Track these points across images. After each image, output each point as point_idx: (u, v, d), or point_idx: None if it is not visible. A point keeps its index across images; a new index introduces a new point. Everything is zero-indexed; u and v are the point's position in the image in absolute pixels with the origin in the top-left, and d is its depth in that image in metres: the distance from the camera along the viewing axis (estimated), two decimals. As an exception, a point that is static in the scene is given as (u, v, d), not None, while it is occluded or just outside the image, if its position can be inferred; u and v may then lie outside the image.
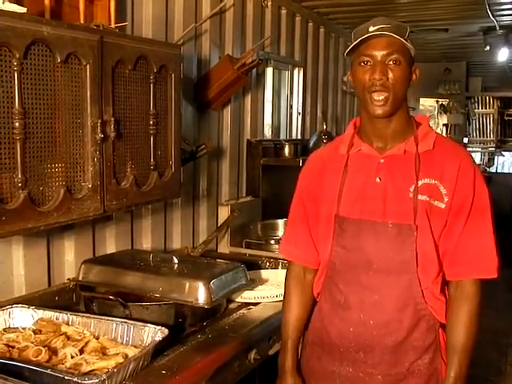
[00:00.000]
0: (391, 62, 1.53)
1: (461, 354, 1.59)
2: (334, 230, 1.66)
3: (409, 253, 1.58)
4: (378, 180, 1.62)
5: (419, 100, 9.09)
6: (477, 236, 1.59)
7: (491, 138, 10.67)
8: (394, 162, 1.62)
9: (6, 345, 1.65)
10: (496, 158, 10.81)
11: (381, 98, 1.54)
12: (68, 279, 2.22)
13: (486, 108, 10.65)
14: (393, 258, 1.59)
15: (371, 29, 1.53)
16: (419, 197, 1.57)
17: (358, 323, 1.64)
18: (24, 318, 1.84)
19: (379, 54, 1.53)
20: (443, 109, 9.24)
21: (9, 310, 1.85)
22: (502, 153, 10.67)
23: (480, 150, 10.82)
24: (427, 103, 9.24)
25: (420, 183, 1.58)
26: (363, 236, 1.62)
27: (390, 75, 1.53)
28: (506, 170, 10.54)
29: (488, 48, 5.48)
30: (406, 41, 1.55)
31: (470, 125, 10.34)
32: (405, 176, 1.60)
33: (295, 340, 1.80)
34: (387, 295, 1.61)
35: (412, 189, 1.58)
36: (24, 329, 1.78)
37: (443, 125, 9.33)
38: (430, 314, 1.62)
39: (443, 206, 1.58)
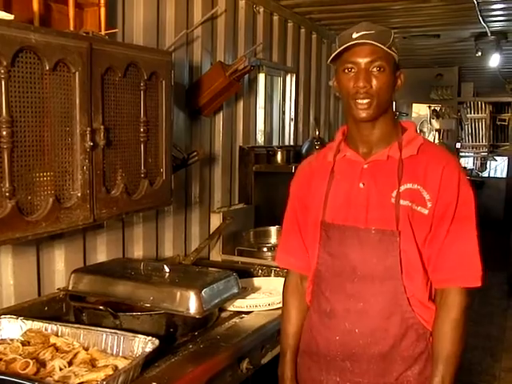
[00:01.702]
0: (375, 69, 1.53)
1: (445, 362, 1.56)
2: (321, 236, 1.66)
3: (392, 259, 1.57)
4: (361, 185, 1.62)
5: (412, 105, 9.12)
6: (459, 242, 1.57)
7: (483, 142, 10.72)
8: (377, 168, 1.62)
9: (-7, 357, 1.62)
10: (488, 162, 10.85)
11: (365, 101, 1.54)
12: (58, 289, 2.19)
13: (478, 113, 10.69)
14: (377, 264, 1.58)
15: (354, 35, 1.52)
16: (401, 202, 1.56)
17: (344, 332, 1.63)
18: (12, 329, 1.82)
19: (363, 61, 1.53)
20: (435, 114, 9.27)
21: (-3, 320, 1.82)
22: (495, 157, 10.71)
23: (472, 154, 10.87)
24: (420, 110, 9.27)
25: (402, 188, 1.57)
26: (347, 242, 1.61)
27: (374, 82, 1.53)
28: (498, 175, 10.55)
29: (480, 54, 5.50)
30: (391, 47, 1.54)
31: (462, 130, 10.38)
32: (387, 181, 1.59)
33: (294, 350, 1.80)
34: (372, 303, 1.60)
35: (394, 194, 1.57)
36: (12, 340, 1.75)
37: (435, 130, 9.35)
38: (419, 323, 1.60)
39: (426, 211, 1.56)
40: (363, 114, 1.56)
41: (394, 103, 8.30)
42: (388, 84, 1.55)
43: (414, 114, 9.10)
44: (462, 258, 1.58)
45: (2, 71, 1.55)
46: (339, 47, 1.54)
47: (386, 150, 1.62)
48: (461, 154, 9.92)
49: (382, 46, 1.51)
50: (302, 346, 1.78)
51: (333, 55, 1.57)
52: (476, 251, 1.59)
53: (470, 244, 1.59)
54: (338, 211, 1.64)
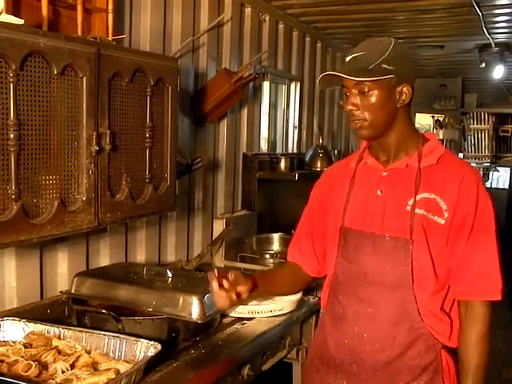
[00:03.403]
0: (362, 92, 1.54)
1: (474, 375, 1.56)
2: (339, 241, 1.68)
3: (404, 267, 1.57)
4: (379, 192, 1.64)
5: (415, 115, 9.13)
6: (479, 254, 1.56)
7: (486, 153, 10.70)
8: (395, 176, 1.63)
9: (-5, 359, 1.63)
10: (491, 173, 10.83)
11: (357, 124, 1.57)
12: (60, 292, 2.20)
13: (481, 124, 10.68)
14: (388, 271, 1.59)
15: (347, 58, 1.57)
16: (417, 211, 1.57)
17: (353, 335, 1.65)
18: (15, 331, 1.82)
19: (350, 84, 1.55)
20: (439, 124, 9.27)
21: (-1, 322, 1.82)
22: (497, 168, 10.70)
23: (475, 165, 10.85)
24: (421, 120, 9.28)
25: (419, 197, 1.58)
26: (362, 248, 1.63)
27: (363, 105, 1.55)
28: (500, 186, 10.53)
29: (483, 65, 5.51)
30: (380, 65, 1.50)
31: (465, 140, 10.37)
32: (405, 190, 1.60)
33: (268, 273, 1.98)
34: (381, 309, 1.61)
35: (410, 202, 1.58)
36: (14, 342, 1.75)
37: (439, 140, 9.34)
38: (429, 334, 1.59)
39: (443, 221, 1.56)
40: (360, 135, 1.61)
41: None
42: (379, 105, 1.54)
43: (417, 125, 9.11)
44: (482, 271, 1.57)
45: (11, 75, 1.56)
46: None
47: (405, 158, 1.63)
48: (463, 164, 9.88)
49: (351, 78, 1.51)
50: (314, 348, 1.81)
51: (318, 80, 1.61)
52: (496, 263, 1.57)
53: (489, 256, 1.57)
54: (356, 217, 1.66)
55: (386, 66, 1.52)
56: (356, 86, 1.54)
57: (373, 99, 1.54)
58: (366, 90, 1.53)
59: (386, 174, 1.64)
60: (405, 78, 1.57)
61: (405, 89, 1.57)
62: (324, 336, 1.75)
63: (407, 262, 1.57)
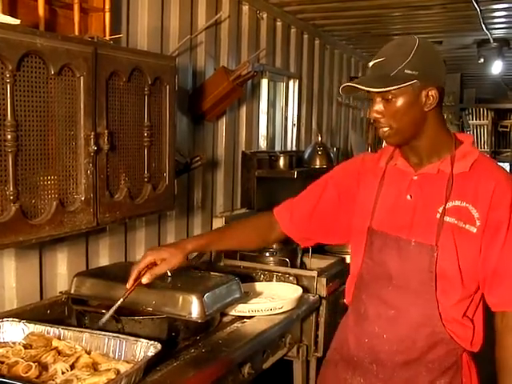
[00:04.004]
0: (385, 98, 1.50)
1: None
2: (366, 242, 1.68)
3: (428, 274, 1.55)
4: (408, 197, 1.61)
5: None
6: None
7: (485, 149, 10.68)
8: (426, 181, 1.59)
9: (-5, 360, 1.62)
10: (490, 169, 10.82)
11: (384, 130, 1.54)
12: (60, 292, 2.19)
13: (480, 119, 10.67)
14: (412, 276, 1.58)
15: (370, 64, 1.54)
16: (446, 219, 1.54)
17: (373, 335, 1.66)
18: (14, 332, 1.81)
19: (373, 91, 1.51)
20: (438, 120, 9.27)
21: (-1, 323, 1.82)
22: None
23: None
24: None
25: (450, 205, 1.54)
26: (387, 251, 1.62)
27: (387, 111, 1.51)
28: (500, 182, 10.54)
29: (482, 60, 5.50)
30: (403, 70, 1.46)
31: (464, 136, 10.36)
32: (435, 196, 1.57)
33: (214, 234, 2.00)
34: (403, 312, 1.60)
35: (440, 210, 1.55)
36: (14, 343, 1.74)
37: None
38: (450, 339, 1.58)
39: (475, 229, 1.52)
40: (388, 142, 1.58)
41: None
42: (404, 111, 1.50)
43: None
44: None
45: (8, 75, 1.56)
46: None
47: (437, 163, 1.58)
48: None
49: (370, 89, 1.49)
50: (335, 344, 1.83)
51: (341, 87, 1.58)
52: None
53: None
54: (384, 219, 1.64)
55: (408, 72, 1.46)
56: (379, 94, 1.50)
57: (397, 106, 1.49)
58: (390, 97, 1.49)
59: (416, 178, 1.61)
60: (431, 81, 1.51)
61: (431, 92, 1.51)
62: (346, 333, 1.76)
63: (431, 268, 1.54)
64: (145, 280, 1.71)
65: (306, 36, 4.54)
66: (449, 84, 8.55)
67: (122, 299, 1.77)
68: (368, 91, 1.52)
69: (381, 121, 1.53)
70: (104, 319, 1.79)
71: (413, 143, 1.58)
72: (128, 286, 1.73)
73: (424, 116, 1.53)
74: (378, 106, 1.52)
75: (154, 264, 1.73)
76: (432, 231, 1.54)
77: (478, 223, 1.52)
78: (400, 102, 1.49)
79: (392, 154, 1.69)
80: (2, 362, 1.61)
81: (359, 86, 1.49)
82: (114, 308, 1.78)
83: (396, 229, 1.61)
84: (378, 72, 1.50)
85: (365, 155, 1.86)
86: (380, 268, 1.64)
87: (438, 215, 1.55)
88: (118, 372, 1.55)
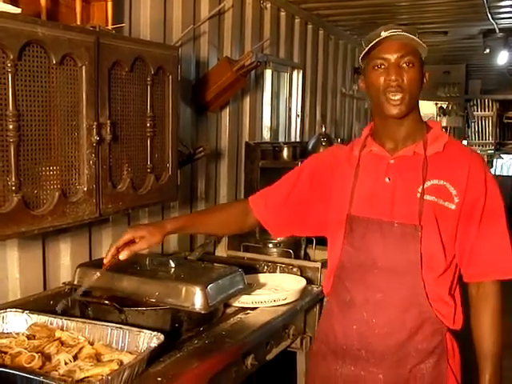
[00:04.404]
0: (405, 65, 1.56)
1: (491, 355, 1.59)
2: (345, 229, 1.69)
3: (413, 253, 1.59)
4: (387, 180, 1.65)
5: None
6: (491, 237, 1.60)
7: (490, 140, 10.64)
8: (403, 163, 1.64)
9: (-2, 350, 1.62)
10: (495, 160, 10.77)
11: (397, 97, 1.56)
12: (63, 283, 2.19)
13: (485, 111, 10.61)
14: (397, 257, 1.61)
15: (383, 34, 1.55)
16: (426, 197, 1.59)
17: (362, 321, 1.66)
18: (18, 322, 1.81)
19: (393, 56, 1.55)
20: (442, 111, 9.23)
21: (2, 314, 1.81)
22: (501, 155, 10.64)
23: (479, 152, 10.78)
24: (426, 108, 9.22)
25: (428, 184, 1.60)
26: (370, 235, 1.64)
27: (405, 77, 1.56)
28: (504, 173, 10.48)
29: (488, 51, 5.47)
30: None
31: (469, 127, 10.31)
32: (413, 177, 1.62)
33: (191, 217, 2.07)
34: (391, 294, 1.63)
35: (420, 189, 1.60)
36: (18, 334, 1.75)
37: (442, 127, 9.29)
38: (436, 318, 1.62)
39: (453, 206, 1.59)
40: (395, 111, 1.58)
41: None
42: (417, 79, 1.58)
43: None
44: (494, 252, 1.60)
45: (9, 65, 1.55)
46: (368, 45, 1.57)
47: (412, 146, 1.64)
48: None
49: (415, 37, 1.55)
50: (320, 335, 1.82)
51: (364, 51, 1.60)
52: (507, 244, 1.60)
53: (501, 238, 1.61)
54: (363, 205, 1.66)
55: (421, 47, 1.59)
56: (399, 58, 1.55)
57: (415, 73, 1.57)
58: (408, 63, 1.55)
59: (393, 161, 1.65)
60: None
61: (427, 74, 1.63)
62: (330, 323, 1.76)
63: (416, 247, 1.58)
64: (123, 256, 1.70)
65: (310, 26, 4.51)
66: (454, 75, 8.53)
67: (98, 273, 1.81)
68: (387, 53, 1.55)
69: (400, 86, 1.55)
70: (79, 292, 1.88)
71: (399, 122, 1.62)
72: (105, 261, 1.73)
73: (419, 94, 1.62)
74: (398, 70, 1.55)
75: (132, 242, 1.73)
76: (414, 211, 1.59)
77: (456, 200, 1.58)
78: (416, 69, 1.57)
79: (364, 142, 1.73)
80: (6, 353, 1.61)
81: (407, 34, 1.53)
82: (89, 284, 1.87)
83: (377, 212, 1.64)
84: (403, 35, 1.55)
85: (337, 146, 1.94)
86: (363, 253, 1.65)
87: (418, 195, 1.59)
88: (120, 363, 1.55)
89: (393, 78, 1.55)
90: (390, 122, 1.64)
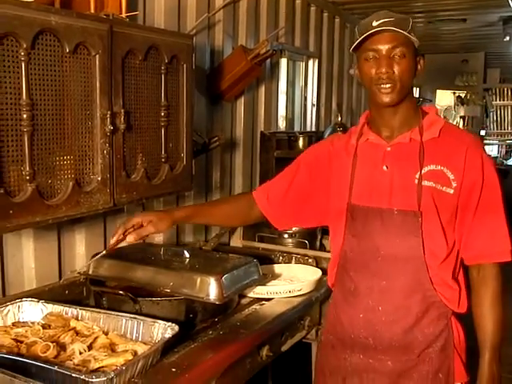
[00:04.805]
0: (396, 56, 1.56)
1: (491, 336, 1.62)
2: (346, 218, 1.70)
3: (415, 239, 1.61)
4: (384, 168, 1.66)
5: (436, 92, 8.97)
6: (489, 219, 1.62)
7: (509, 130, 10.51)
8: (400, 150, 1.65)
9: (14, 339, 1.62)
10: (515, 150, 10.64)
11: (388, 86, 1.57)
12: (78, 273, 2.19)
13: (504, 100, 10.47)
14: (399, 244, 1.62)
15: (374, 23, 1.55)
16: (424, 183, 1.60)
17: (368, 309, 1.68)
18: (33, 312, 1.82)
19: (384, 48, 1.56)
20: (460, 101, 9.11)
21: (18, 303, 1.82)
22: (520, 145, 10.51)
23: (497, 142, 10.66)
24: (443, 97, 9.09)
25: (425, 170, 1.61)
26: (371, 223, 1.66)
27: (396, 68, 1.56)
28: (524, 163, 10.36)
29: (507, 38, 5.38)
30: (410, 33, 1.55)
31: (487, 117, 10.18)
32: (410, 163, 1.63)
33: (199, 207, 2.13)
34: (395, 281, 1.64)
35: (417, 176, 1.61)
36: (33, 323, 1.75)
37: (460, 117, 9.19)
38: (441, 302, 1.64)
39: (451, 191, 1.60)
40: (386, 99, 1.59)
41: (418, 89, 8.18)
42: (409, 69, 1.58)
43: (437, 101, 8.95)
44: (492, 235, 1.62)
45: (22, 53, 1.54)
46: (359, 36, 1.57)
47: (408, 133, 1.65)
48: (485, 141, 9.74)
49: (403, 32, 1.54)
50: (327, 326, 1.84)
51: (354, 44, 1.60)
52: (504, 226, 1.63)
53: (498, 220, 1.63)
54: (362, 193, 1.68)
55: (413, 35, 1.57)
56: (390, 50, 1.55)
57: (406, 64, 1.56)
58: (399, 53, 1.55)
59: (389, 149, 1.66)
60: (420, 52, 1.63)
61: (422, 61, 1.63)
62: (336, 313, 1.78)
63: (417, 233, 1.60)
64: (130, 238, 1.71)
65: (325, 14, 4.46)
66: (472, 63, 8.41)
67: (104, 252, 1.82)
68: (378, 45, 1.54)
69: (391, 77, 1.56)
70: (84, 267, 1.96)
71: (393, 109, 1.63)
72: (112, 242, 1.74)
73: (412, 83, 1.63)
74: (389, 62, 1.55)
75: (141, 226, 1.74)
76: (412, 197, 1.60)
77: (454, 184, 1.60)
78: (408, 60, 1.56)
79: (361, 131, 1.74)
80: (21, 342, 1.62)
81: (396, 29, 1.52)
82: (97, 257, 1.89)
83: (376, 200, 1.65)
84: (394, 27, 1.53)
85: (333, 136, 1.93)
86: (365, 242, 1.67)
87: (416, 181, 1.60)
88: (135, 353, 1.54)
89: (383, 70, 1.55)
90: (384, 110, 1.65)
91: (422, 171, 1.60)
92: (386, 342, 1.67)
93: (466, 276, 1.71)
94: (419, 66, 1.63)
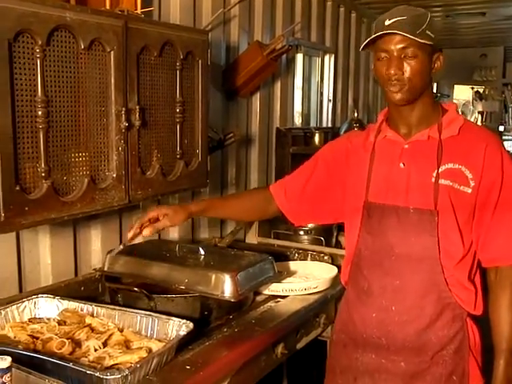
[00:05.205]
0: (408, 56, 1.53)
1: (507, 339, 1.59)
2: (363, 216, 1.68)
3: (430, 238, 1.58)
4: (401, 165, 1.64)
5: (453, 87, 8.86)
6: (506, 221, 1.59)
7: (528, 125, 10.35)
8: (417, 148, 1.63)
9: (30, 336, 1.63)
10: (533, 146, 10.49)
11: (396, 86, 1.55)
12: (94, 269, 2.20)
13: (523, 95, 10.31)
14: (414, 243, 1.60)
15: (387, 22, 1.52)
16: (442, 181, 1.57)
17: (381, 309, 1.66)
18: (49, 308, 1.82)
19: (394, 48, 1.54)
20: (478, 96, 9.00)
21: (34, 299, 1.83)
22: (540, 141, 10.35)
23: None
24: (461, 93, 8.97)
25: (443, 168, 1.58)
26: (386, 221, 1.64)
27: (407, 69, 1.53)
28: (543, 159, 10.21)
29: (527, 32, 5.28)
30: (425, 31, 1.51)
31: (506, 112, 10.03)
32: (428, 161, 1.60)
33: (215, 200, 2.13)
34: (409, 281, 1.62)
35: (434, 174, 1.58)
36: (49, 319, 1.76)
37: (478, 112, 9.08)
38: (456, 303, 1.61)
39: (469, 190, 1.57)
40: (397, 97, 1.57)
41: (436, 84, 8.09)
42: (421, 70, 1.54)
43: (455, 96, 8.85)
44: (510, 236, 1.59)
45: (38, 50, 1.54)
46: (374, 33, 1.55)
47: (426, 130, 1.62)
48: (504, 137, 9.61)
49: (409, 36, 1.49)
50: (339, 325, 1.82)
51: (362, 45, 1.59)
52: None
53: None
54: (379, 191, 1.66)
55: (429, 33, 1.52)
56: (401, 50, 1.52)
57: (417, 64, 1.53)
58: (410, 54, 1.52)
59: (407, 146, 1.64)
60: (439, 47, 1.58)
61: (441, 57, 1.59)
62: (349, 312, 1.76)
63: (433, 233, 1.57)
64: (146, 232, 1.73)
65: (342, 9, 4.42)
66: (491, 58, 8.29)
67: (121, 246, 1.89)
68: (387, 45, 1.52)
69: (400, 78, 1.54)
70: (114, 252, 1.97)
71: (410, 107, 1.61)
72: (129, 236, 1.76)
73: (429, 79, 1.60)
74: (399, 62, 1.53)
75: (156, 220, 1.75)
76: (429, 196, 1.57)
77: (472, 184, 1.57)
78: (419, 60, 1.53)
79: (379, 128, 1.72)
80: (37, 338, 1.62)
81: (400, 33, 1.49)
82: (121, 247, 1.92)
83: (392, 198, 1.63)
84: (403, 28, 1.50)
85: (352, 133, 1.93)
86: (380, 240, 1.65)
87: (433, 179, 1.58)
88: (149, 350, 1.54)
89: (392, 72, 1.53)
90: (401, 107, 1.62)
91: (440, 170, 1.58)
92: (398, 343, 1.64)
93: (482, 277, 1.67)
94: (437, 64, 1.59)
